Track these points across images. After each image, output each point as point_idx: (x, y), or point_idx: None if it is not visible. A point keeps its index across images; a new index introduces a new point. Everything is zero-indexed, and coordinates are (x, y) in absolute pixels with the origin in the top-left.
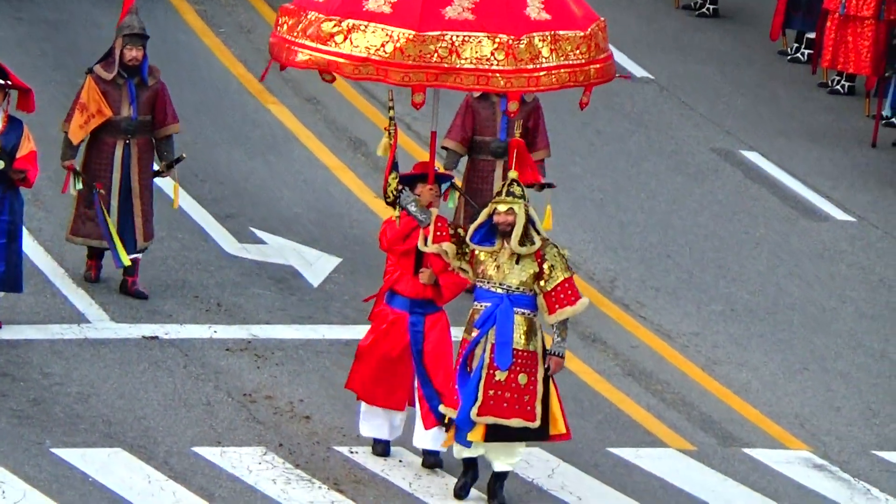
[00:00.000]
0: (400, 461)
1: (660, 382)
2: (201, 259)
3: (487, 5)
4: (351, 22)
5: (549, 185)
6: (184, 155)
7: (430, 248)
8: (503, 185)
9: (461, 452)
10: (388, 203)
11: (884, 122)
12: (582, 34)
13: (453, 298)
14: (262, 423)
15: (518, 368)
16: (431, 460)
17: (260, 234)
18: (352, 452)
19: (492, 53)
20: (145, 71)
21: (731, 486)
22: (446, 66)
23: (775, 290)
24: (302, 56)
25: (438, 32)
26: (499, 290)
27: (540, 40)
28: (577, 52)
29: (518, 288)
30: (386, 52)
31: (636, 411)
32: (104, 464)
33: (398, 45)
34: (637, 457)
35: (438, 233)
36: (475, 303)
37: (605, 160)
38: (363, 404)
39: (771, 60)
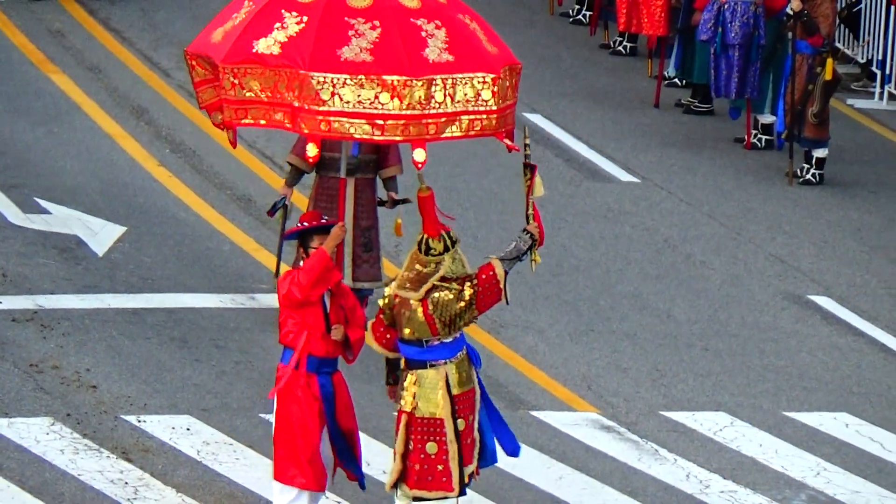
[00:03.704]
0: (188, 429)
1: None
2: None
3: (386, 45)
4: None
5: (404, 201)
6: None
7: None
8: (429, 240)
9: None
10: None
11: (666, 82)
12: (490, 76)
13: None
14: (48, 394)
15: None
16: None
17: (44, 203)
18: (140, 421)
19: (376, 97)
20: None
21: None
22: (337, 109)
23: (560, 251)
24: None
25: (332, 76)
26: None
27: (435, 84)
28: (479, 98)
29: None
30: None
31: None
32: None
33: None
34: None
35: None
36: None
37: None
38: (276, 484)
39: (552, 22)
